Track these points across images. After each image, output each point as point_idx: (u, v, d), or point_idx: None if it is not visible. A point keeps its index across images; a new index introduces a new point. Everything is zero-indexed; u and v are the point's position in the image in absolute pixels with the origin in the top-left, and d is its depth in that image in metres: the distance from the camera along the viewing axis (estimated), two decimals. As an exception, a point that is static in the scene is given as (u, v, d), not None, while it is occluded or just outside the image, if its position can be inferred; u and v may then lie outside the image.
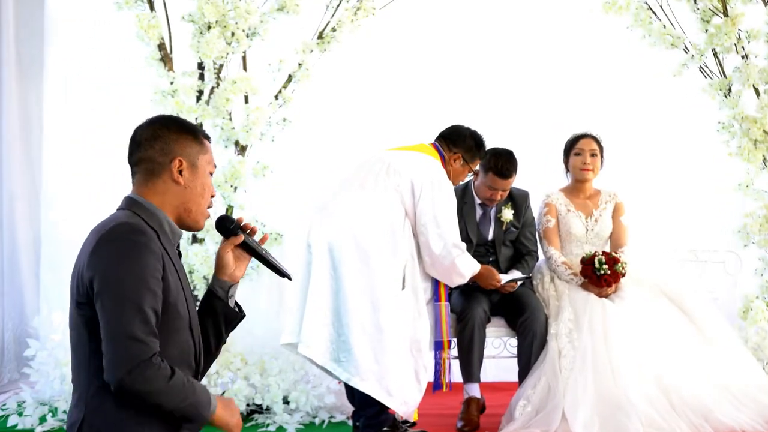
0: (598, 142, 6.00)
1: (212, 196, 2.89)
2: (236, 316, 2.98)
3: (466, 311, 5.61)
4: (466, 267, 5.32)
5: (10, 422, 5.62)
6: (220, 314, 2.94)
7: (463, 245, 5.29)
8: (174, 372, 2.61)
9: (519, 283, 5.78)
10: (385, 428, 5.18)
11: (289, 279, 2.97)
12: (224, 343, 3.00)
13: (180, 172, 2.81)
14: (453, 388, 5.56)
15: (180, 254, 2.91)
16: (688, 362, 5.46)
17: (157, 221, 2.77)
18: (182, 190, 2.82)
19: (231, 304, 2.96)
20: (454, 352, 5.67)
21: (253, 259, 3.00)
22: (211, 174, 2.90)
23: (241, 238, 2.92)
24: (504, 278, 5.68)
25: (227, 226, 2.93)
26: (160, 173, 2.81)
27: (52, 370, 5.70)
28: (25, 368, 5.91)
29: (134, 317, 2.55)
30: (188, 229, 2.87)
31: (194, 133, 2.87)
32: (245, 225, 2.95)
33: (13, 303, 6.47)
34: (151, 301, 2.59)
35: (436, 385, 5.46)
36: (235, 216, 3.07)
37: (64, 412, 5.60)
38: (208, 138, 2.94)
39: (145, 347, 2.55)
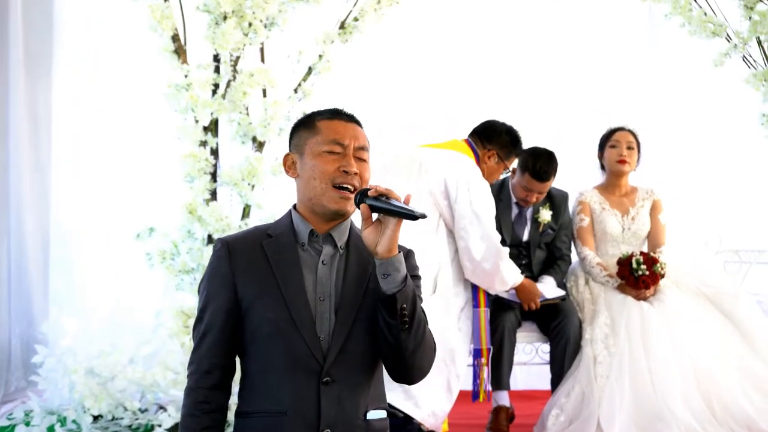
0: (634, 135, 6.00)
1: (345, 171, 2.84)
2: (387, 297, 2.75)
3: (496, 315, 5.61)
4: (509, 274, 5.34)
5: (17, 433, 5.63)
6: (379, 299, 2.79)
7: (506, 250, 5.29)
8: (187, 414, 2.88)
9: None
10: (410, 439, 5.17)
11: (424, 217, 2.69)
12: (408, 328, 2.77)
13: (293, 166, 2.95)
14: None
15: (335, 249, 2.91)
16: (730, 369, 5.45)
17: (280, 226, 2.95)
18: (299, 182, 2.94)
19: (385, 286, 2.74)
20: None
21: None
22: (332, 152, 2.86)
23: (364, 206, 2.76)
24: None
25: (356, 202, 2.84)
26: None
27: (60, 378, 5.68)
28: (33, 376, 5.89)
29: (195, 335, 2.92)
30: (330, 217, 2.88)
31: (307, 120, 2.98)
32: (372, 190, 2.79)
33: (21, 306, 6.49)
34: (208, 313, 2.89)
35: (474, 395, 5.45)
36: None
37: (74, 421, 5.60)
38: (335, 114, 2.97)
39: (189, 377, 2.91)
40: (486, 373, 5.46)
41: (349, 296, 2.86)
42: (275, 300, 2.81)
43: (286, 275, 2.84)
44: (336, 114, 2.96)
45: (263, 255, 2.87)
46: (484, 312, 5.42)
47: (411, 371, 2.90)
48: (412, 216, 2.68)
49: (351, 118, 2.97)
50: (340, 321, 2.84)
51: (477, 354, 5.40)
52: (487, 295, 5.44)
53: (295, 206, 2.97)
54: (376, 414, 2.92)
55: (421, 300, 2.91)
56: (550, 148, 5.76)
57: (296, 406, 2.80)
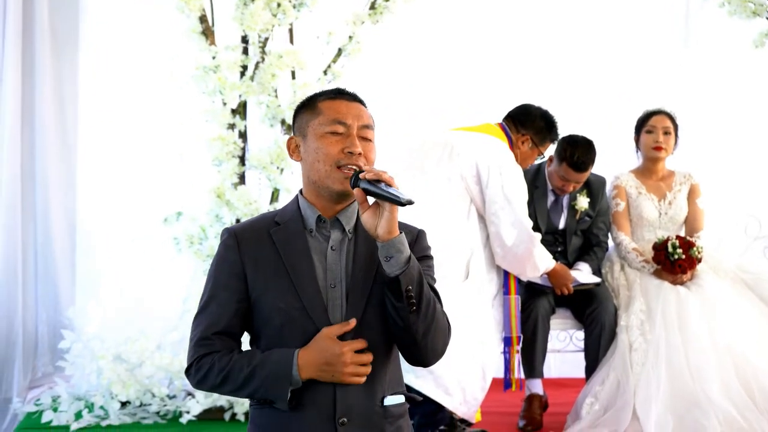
0: (672, 119, 5.90)
1: (350, 152, 2.79)
2: (391, 279, 2.69)
3: (529, 302, 5.58)
4: (541, 259, 5.30)
5: (45, 418, 5.62)
6: (384, 283, 2.75)
7: (538, 235, 5.25)
8: (209, 369, 2.79)
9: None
10: (441, 427, 5.15)
11: (411, 203, 2.62)
12: (416, 310, 2.71)
13: (297, 149, 2.91)
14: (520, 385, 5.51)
15: (343, 233, 2.86)
16: (770, 356, 5.38)
17: (287, 212, 2.91)
18: (303, 165, 2.90)
19: (388, 268, 2.69)
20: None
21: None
22: (335, 133, 2.81)
23: (358, 190, 2.70)
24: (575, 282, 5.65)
25: (351, 185, 2.77)
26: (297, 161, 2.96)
27: (88, 363, 5.69)
28: (60, 361, 5.91)
29: (196, 324, 2.87)
30: (336, 199, 2.83)
31: (309, 102, 2.93)
32: (364, 172, 2.74)
33: (47, 293, 6.49)
34: (215, 303, 2.85)
35: (506, 384, 5.42)
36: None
37: (101, 407, 5.62)
38: (337, 94, 2.91)
39: (193, 349, 2.85)
40: (516, 361, 5.44)
41: (360, 281, 2.82)
42: (286, 289, 2.79)
43: (295, 263, 2.81)
44: (338, 94, 2.91)
45: (271, 243, 2.84)
46: (515, 299, 5.38)
47: (424, 353, 2.83)
48: (398, 202, 2.62)
49: (354, 98, 2.92)
50: (352, 307, 2.80)
51: (507, 342, 5.37)
52: (518, 281, 5.40)
53: (301, 191, 2.93)
54: (393, 399, 2.88)
55: (434, 281, 2.88)
56: (588, 136, 5.67)
57: (311, 395, 2.76)
